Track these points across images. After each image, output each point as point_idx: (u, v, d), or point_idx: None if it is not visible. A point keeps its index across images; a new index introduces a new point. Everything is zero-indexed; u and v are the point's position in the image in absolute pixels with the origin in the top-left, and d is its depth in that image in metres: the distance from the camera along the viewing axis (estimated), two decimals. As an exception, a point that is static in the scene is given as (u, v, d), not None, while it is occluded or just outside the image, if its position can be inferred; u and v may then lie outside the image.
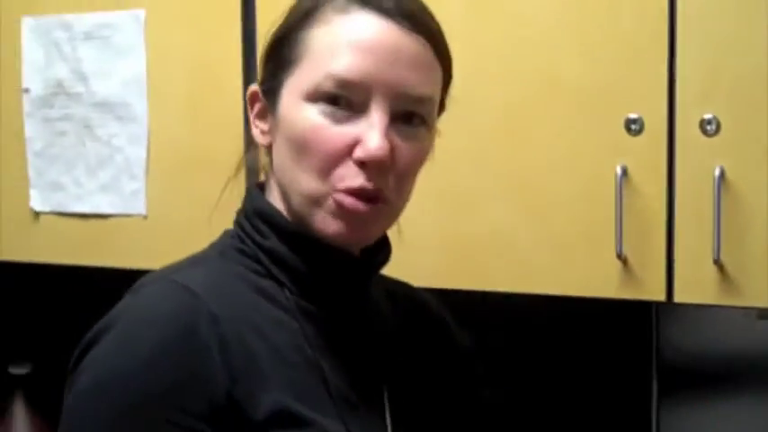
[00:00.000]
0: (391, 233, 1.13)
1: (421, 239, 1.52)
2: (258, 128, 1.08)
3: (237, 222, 1.09)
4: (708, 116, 1.36)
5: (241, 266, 1.04)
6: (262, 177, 1.15)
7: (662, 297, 1.42)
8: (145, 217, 1.79)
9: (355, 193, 0.98)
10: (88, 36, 1.81)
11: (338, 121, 0.98)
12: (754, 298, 1.38)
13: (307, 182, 0.99)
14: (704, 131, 1.37)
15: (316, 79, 0.98)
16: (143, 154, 1.78)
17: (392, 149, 0.97)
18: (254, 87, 1.08)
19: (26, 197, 1.90)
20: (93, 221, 1.85)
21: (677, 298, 1.42)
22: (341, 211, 0.99)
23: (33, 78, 1.87)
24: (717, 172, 1.36)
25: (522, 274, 1.50)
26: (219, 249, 1.07)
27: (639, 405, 1.78)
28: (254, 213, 1.06)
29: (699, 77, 1.38)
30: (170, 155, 1.76)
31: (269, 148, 1.07)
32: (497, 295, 1.54)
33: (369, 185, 0.98)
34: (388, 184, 0.99)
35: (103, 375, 0.94)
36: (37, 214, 1.90)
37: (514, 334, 1.87)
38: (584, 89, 1.44)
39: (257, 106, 1.08)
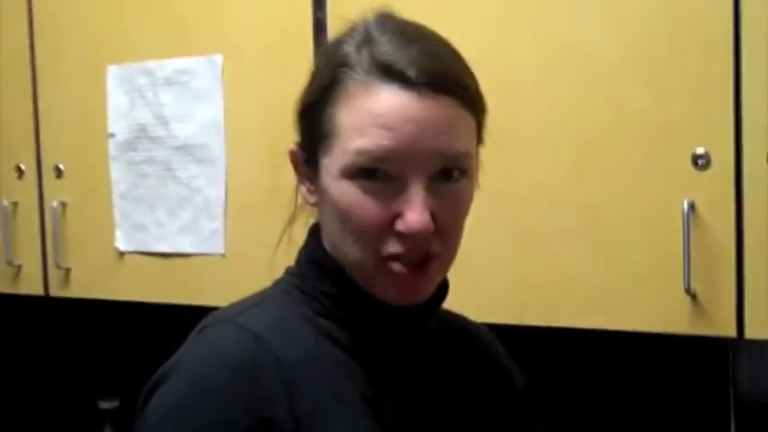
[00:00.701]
0: (457, 270, 1.10)
1: (493, 276, 1.54)
2: (305, 187, 1.08)
3: (297, 263, 1.11)
4: (775, 150, 1.36)
5: (304, 306, 1.06)
6: None
7: (732, 333, 1.41)
8: (223, 256, 1.85)
9: (401, 257, 0.98)
10: (169, 82, 1.88)
11: (377, 195, 0.97)
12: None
13: (352, 249, 1.00)
14: (772, 165, 1.36)
15: (348, 157, 0.98)
16: (221, 195, 1.83)
17: (434, 215, 0.97)
18: (294, 148, 1.09)
19: (112, 237, 1.97)
20: (174, 260, 1.91)
21: (748, 334, 1.40)
22: (390, 278, 1.00)
23: (118, 123, 1.95)
24: (785, 206, 1.35)
25: (592, 310, 1.50)
26: (284, 288, 1.10)
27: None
28: (310, 261, 1.08)
29: (766, 111, 1.37)
30: (247, 195, 1.81)
31: (316, 205, 1.08)
32: (569, 331, 1.54)
33: (414, 252, 0.98)
34: (434, 243, 0.99)
35: (170, 414, 0.96)
36: (122, 254, 1.97)
37: (587, 370, 1.86)
38: (651, 125, 1.44)
39: (300, 170, 1.09)
